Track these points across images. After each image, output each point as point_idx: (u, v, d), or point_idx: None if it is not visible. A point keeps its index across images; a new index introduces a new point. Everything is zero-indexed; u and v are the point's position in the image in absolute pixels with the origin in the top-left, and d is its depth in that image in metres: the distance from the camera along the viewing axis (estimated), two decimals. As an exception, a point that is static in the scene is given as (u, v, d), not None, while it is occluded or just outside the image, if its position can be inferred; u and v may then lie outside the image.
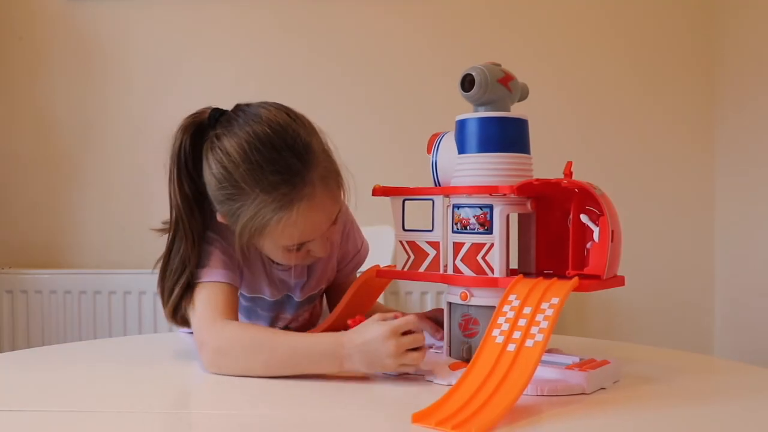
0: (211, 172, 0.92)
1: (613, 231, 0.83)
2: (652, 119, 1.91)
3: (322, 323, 1.07)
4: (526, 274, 0.87)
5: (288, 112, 0.95)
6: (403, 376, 0.87)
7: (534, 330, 0.76)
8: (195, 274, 0.97)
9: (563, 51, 1.90)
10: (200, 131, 0.96)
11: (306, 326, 1.16)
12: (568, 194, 0.88)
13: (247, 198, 0.90)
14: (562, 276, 0.85)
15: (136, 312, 1.83)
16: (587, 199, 0.86)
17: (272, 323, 1.12)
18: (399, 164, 1.86)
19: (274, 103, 0.97)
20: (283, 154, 0.89)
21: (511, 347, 0.76)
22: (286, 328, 1.14)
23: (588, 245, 0.86)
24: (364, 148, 1.91)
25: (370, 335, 0.83)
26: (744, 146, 1.81)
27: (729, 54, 1.85)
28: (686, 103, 1.92)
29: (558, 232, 0.92)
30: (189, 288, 0.97)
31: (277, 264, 1.04)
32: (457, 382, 0.74)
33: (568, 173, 0.90)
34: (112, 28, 1.91)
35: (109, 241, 1.92)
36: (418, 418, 0.69)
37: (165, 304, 0.98)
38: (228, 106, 2.05)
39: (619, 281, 0.86)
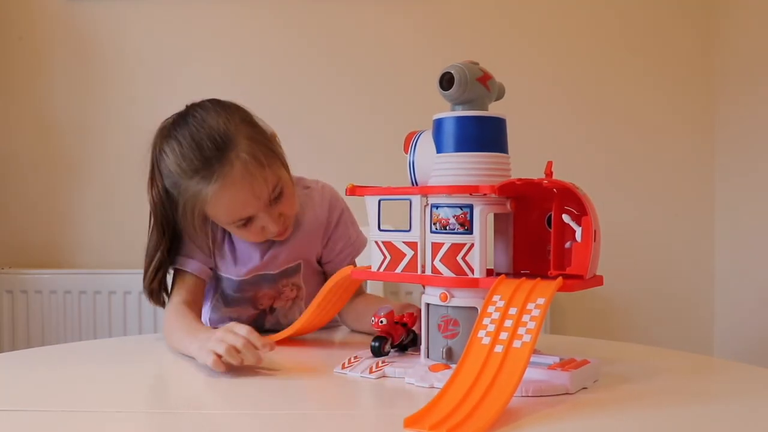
0: (160, 168, 1.11)
1: (595, 231, 0.83)
2: (651, 119, 1.91)
3: (296, 322, 1.10)
4: (506, 275, 0.87)
5: (216, 106, 1.11)
6: (381, 378, 0.88)
7: (521, 331, 0.75)
8: (175, 260, 1.16)
9: (562, 51, 1.90)
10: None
11: (293, 307, 1.24)
12: (547, 194, 0.87)
13: (180, 184, 1.08)
14: (542, 276, 0.84)
15: (136, 312, 1.83)
16: (567, 198, 0.85)
17: (255, 302, 1.23)
18: (385, 162, 1.87)
19: (211, 100, 1.14)
20: (203, 143, 1.06)
21: (499, 348, 0.74)
22: (272, 309, 1.24)
23: (567, 245, 0.85)
24: (356, 146, 1.91)
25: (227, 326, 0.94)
26: (744, 146, 1.81)
27: (729, 53, 1.85)
28: (686, 103, 1.92)
29: (535, 232, 0.92)
30: (161, 269, 1.15)
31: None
32: (446, 385, 0.73)
33: (549, 173, 0.90)
34: (112, 28, 1.91)
35: (109, 241, 1.92)
36: (411, 422, 0.67)
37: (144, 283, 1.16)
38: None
39: (598, 281, 0.86)
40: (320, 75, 1.91)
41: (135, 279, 1.81)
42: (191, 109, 1.12)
